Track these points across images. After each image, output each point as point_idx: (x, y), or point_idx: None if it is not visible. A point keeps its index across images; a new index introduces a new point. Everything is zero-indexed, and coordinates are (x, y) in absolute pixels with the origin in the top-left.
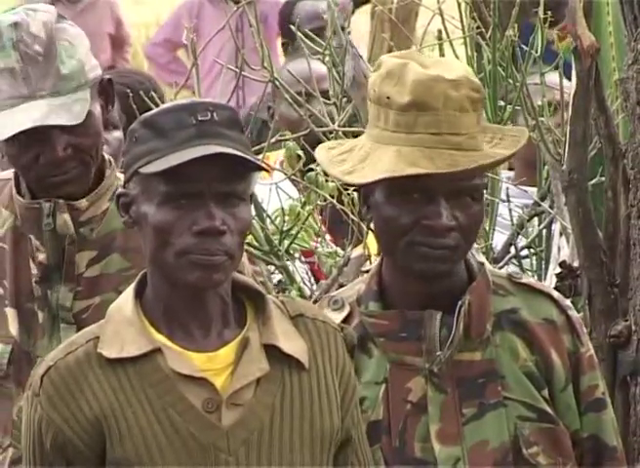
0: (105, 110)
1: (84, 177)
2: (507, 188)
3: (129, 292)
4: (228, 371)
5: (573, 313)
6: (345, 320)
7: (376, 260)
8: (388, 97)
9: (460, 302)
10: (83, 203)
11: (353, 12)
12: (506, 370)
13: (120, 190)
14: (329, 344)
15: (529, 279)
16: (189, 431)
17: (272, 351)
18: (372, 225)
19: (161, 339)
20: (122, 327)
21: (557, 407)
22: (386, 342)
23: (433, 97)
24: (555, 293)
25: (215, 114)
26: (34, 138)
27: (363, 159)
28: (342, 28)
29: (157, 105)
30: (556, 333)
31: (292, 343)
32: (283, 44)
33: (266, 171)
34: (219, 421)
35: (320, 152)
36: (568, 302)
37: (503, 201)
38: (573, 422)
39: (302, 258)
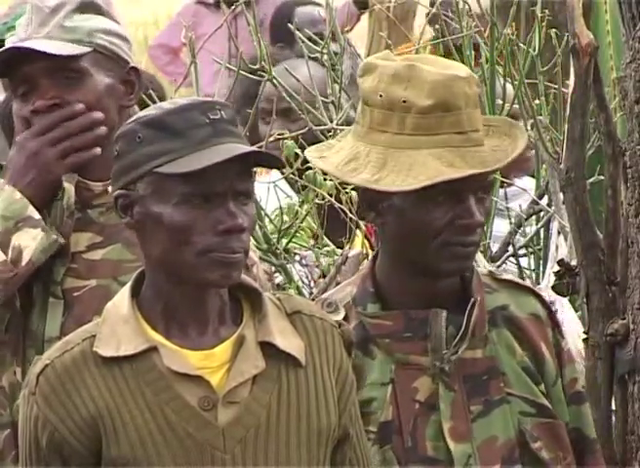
0: (125, 95)
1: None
2: (505, 191)
3: (125, 291)
4: (224, 369)
5: (553, 307)
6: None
7: None
8: (405, 101)
9: (472, 300)
10: (98, 186)
11: (359, 18)
12: (506, 366)
13: (119, 192)
14: (326, 341)
15: (508, 275)
16: (185, 429)
17: (268, 349)
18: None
19: (157, 338)
20: (118, 325)
21: (550, 400)
22: (391, 343)
23: (455, 97)
24: (535, 288)
25: (223, 112)
26: (28, 87)
27: (382, 165)
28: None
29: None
30: (542, 328)
31: (288, 340)
32: (278, 48)
33: (283, 167)
34: (215, 419)
35: (319, 163)
36: (547, 297)
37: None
38: (564, 415)
39: (303, 261)
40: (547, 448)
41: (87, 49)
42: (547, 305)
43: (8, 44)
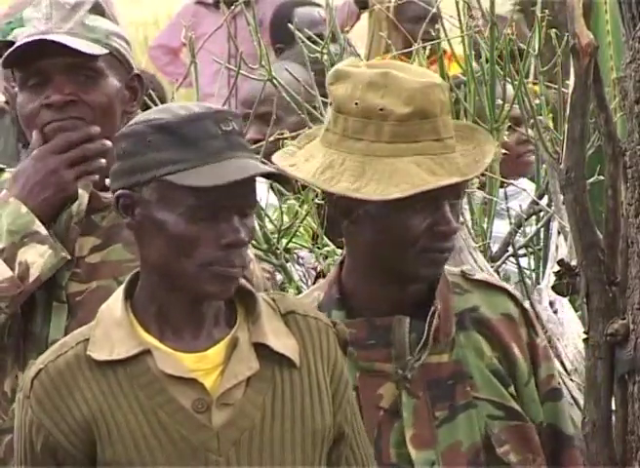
0: (129, 102)
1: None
2: (505, 191)
3: (119, 293)
4: (218, 371)
5: (527, 305)
6: None
7: None
8: (382, 109)
9: (432, 308)
10: (108, 197)
11: (359, 17)
12: (474, 369)
13: (122, 191)
14: (320, 341)
15: (482, 274)
16: (179, 432)
17: (262, 350)
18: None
19: (150, 340)
20: (111, 328)
21: (522, 400)
22: (355, 351)
23: (432, 104)
24: (509, 287)
25: (234, 124)
26: (40, 80)
27: (360, 174)
28: (342, 30)
29: (156, 104)
30: (515, 328)
31: (282, 341)
32: (278, 49)
33: (289, 183)
34: (209, 422)
35: (293, 172)
36: (520, 295)
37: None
38: (537, 415)
39: (300, 261)
40: (515, 450)
41: (106, 50)
42: (521, 304)
43: (23, 35)
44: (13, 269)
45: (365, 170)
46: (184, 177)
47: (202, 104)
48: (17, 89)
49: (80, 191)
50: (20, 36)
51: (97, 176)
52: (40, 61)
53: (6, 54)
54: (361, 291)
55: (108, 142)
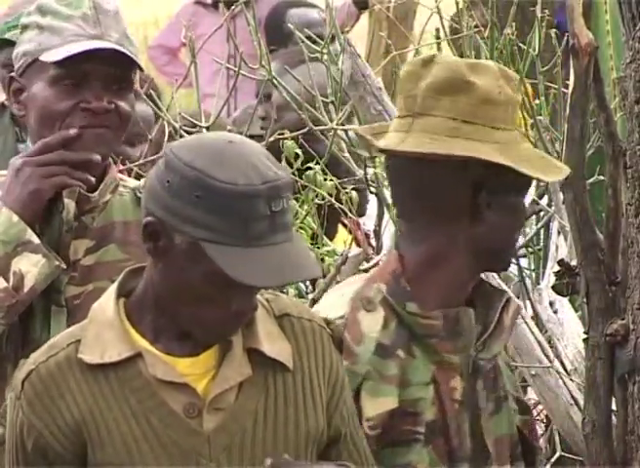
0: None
1: (110, 144)
2: None
3: (111, 293)
4: (210, 376)
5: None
6: (384, 322)
7: (374, 259)
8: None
9: (505, 297)
10: (95, 197)
11: (358, 17)
12: (499, 362)
13: (154, 220)
14: (315, 343)
15: None
16: (170, 437)
17: (256, 355)
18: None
19: (142, 344)
20: (103, 329)
21: None
22: (437, 342)
23: None
24: None
25: (285, 201)
26: (76, 81)
27: (527, 160)
28: (341, 30)
29: (156, 104)
30: None
31: (275, 346)
32: (272, 51)
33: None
34: (200, 426)
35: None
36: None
37: None
38: None
39: None
40: None
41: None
42: None
43: (68, 32)
44: (7, 280)
45: (522, 158)
46: (222, 254)
47: (260, 166)
48: (40, 82)
49: (66, 200)
50: (65, 31)
51: (78, 188)
52: (83, 64)
53: (73, 52)
54: (428, 283)
55: (92, 180)
